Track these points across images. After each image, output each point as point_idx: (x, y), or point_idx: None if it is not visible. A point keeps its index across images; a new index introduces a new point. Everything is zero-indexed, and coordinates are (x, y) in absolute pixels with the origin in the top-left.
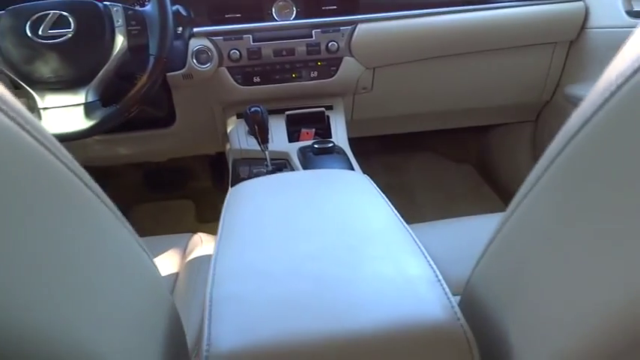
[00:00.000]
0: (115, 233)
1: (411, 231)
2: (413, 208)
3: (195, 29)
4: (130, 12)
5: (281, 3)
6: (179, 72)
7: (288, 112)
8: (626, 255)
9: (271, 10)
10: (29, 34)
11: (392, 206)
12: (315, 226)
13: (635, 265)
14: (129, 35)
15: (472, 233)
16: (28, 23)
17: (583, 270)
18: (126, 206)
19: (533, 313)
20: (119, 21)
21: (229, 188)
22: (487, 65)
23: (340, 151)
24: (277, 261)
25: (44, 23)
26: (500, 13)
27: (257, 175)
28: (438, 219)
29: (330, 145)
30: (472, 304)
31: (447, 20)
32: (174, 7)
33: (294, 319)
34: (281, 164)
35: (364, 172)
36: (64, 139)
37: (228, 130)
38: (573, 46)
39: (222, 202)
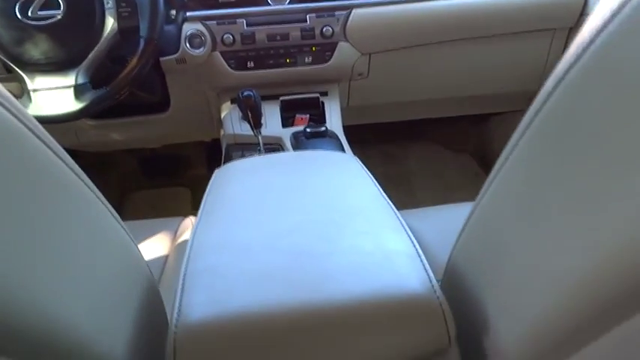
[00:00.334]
0: (88, 205)
1: (395, 210)
2: (411, 197)
3: (188, 13)
4: None
5: None
6: (172, 56)
7: (282, 98)
8: (600, 215)
9: None
10: (19, 16)
11: (378, 186)
12: (297, 202)
13: (608, 225)
14: (119, 17)
15: (460, 219)
16: (18, 4)
17: (555, 233)
18: (122, 194)
19: (508, 282)
20: (109, 3)
21: None
22: (485, 52)
23: (333, 136)
24: (255, 236)
25: (34, 4)
26: None
27: None
28: None
29: (323, 129)
30: (452, 281)
31: (444, 5)
32: None
33: (266, 290)
34: (274, 149)
35: (361, 161)
36: (54, 120)
37: (222, 116)
38: (573, 33)
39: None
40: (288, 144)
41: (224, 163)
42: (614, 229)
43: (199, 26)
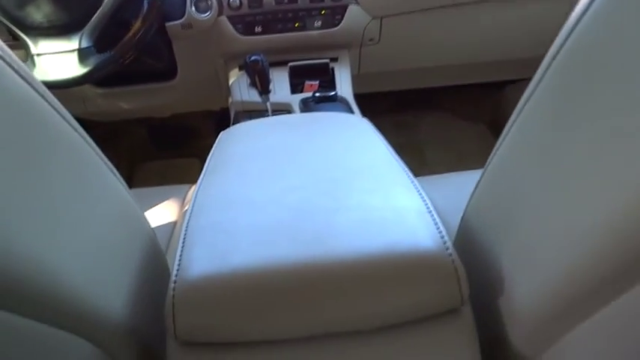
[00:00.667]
0: (92, 166)
1: (406, 168)
2: (423, 167)
3: None
4: None
5: None
6: (178, 21)
7: (291, 64)
8: (629, 157)
9: None
10: None
11: (389, 146)
12: (304, 161)
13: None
14: None
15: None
16: None
17: (583, 181)
18: (132, 164)
19: (523, 239)
20: None
21: None
22: (502, 15)
23: (343, 101)
24: (259, 192)
25: None
26: None
27: None
28: None
29: (333, 93)
30: (465, 240)
31: None
32: None
33: (270, 246)
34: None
35: None
36: (59, 85)
37: (230, 83)
38: None
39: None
40: (297, 110)
41: None
42: None
43: None
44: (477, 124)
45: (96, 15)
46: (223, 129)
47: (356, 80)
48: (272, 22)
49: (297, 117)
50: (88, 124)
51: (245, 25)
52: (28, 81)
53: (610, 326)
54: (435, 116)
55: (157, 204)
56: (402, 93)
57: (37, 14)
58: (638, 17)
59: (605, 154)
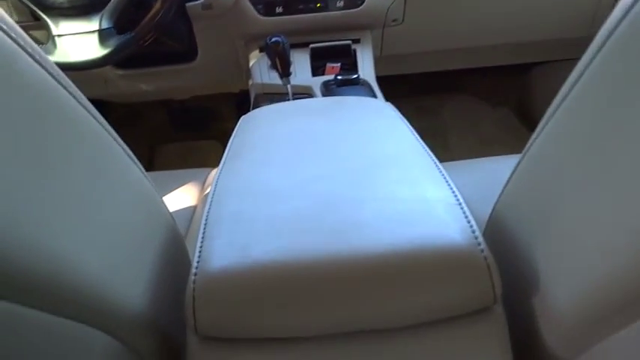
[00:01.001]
0: (109, 152)
1: (434, 157)
2: (445, 152)
3: None
4: None
5: None
6: (198, 2)
7: (312, 46)
8: None
9: None
10: None
11: (415, 133)
12: (328, 149)
13: None
14: None
15: (503, 172)
16: None
17: (633, 180)
18: (152, 147)
19: (562, 237)
20: None
21: None
22: None
23: (365, 84)
24: (281, 181)
25: None
26: None
27: None
28: None
29: (355, 76)
30: (497, 232)
31: None
32: None
33: (293, 238)
34: (303, 98)
35: None
36: (80, 67)
37: (250, 65)
38: None
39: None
40: (318, 93)
41: None
42: None
43: None
44: (501, 108)
45: None
46: (243, 111)
47: (378, 62)
48: (293, 2)
49: (320, 101)
50: (108, 107)
51: (266, 6)
52: (42, 64)
53: None
54: (458, 99)
55: (176, 188)
56: (424, 75)
57: None
58: None
59: None
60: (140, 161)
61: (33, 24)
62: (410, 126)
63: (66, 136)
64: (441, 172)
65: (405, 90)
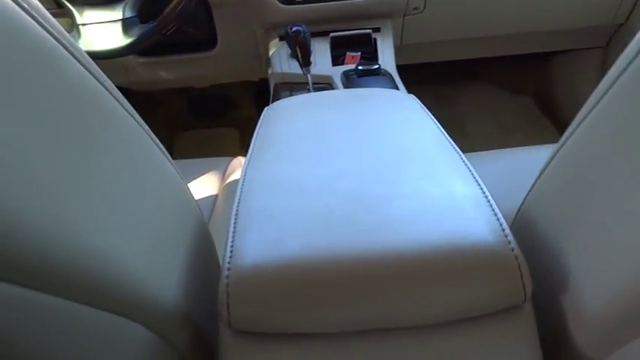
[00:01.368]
0: (139, 143)
1: (460, 152)
2: (463, 140)
3: None
4: None
5: None
6: None
7: (332, 34)
8: None
9: None
10: None
11: (440, 127)
12: (354, 142)
13: None
14: None
15: (526, 164)
16: None
17: None
18: (170, 133)
19: (598, 236)
20: None
21: None
22: None
23: (386, 74)
24: (309, 176)
25: None
26: None
27: None
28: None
29: (376, 66)
30: (524, 230)
31: None
32: None
33: (323, 233)
34: (324, 88)
35: None
36: (104, 56)
37: (270, 54)
38: None
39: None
40: (338, 83)
41: (272, 103)
42: None
43: None
44: (520, 96)
45: None
46: (261, 100)
47: (398, 51)
48: None
49: (343, 93)
50: (127, 94)
51: None
52: (81, 61)
53: None
54: (477, 88)
55: (198, 177)
56: (443, 63)
57: None
58: None
59: None
60: None
61: (56, 11)
62: (434, 118)
63: (106, 132)
64: (467, 167)
65: (423, 78)
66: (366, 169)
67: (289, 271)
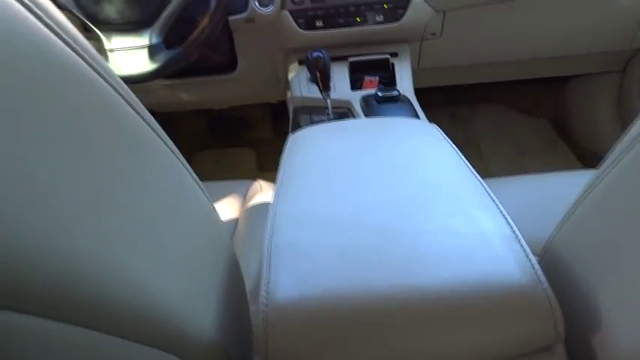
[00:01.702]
0: (176, 175)
1: (484, 184)
2: (479, 162)
3: None
4: None
5: None
6: (241, 15)
7: (351, 59)
8: None
9: None
10: None
11: (464, 157)
12: (380, 175)
13: None
14: None
15: (550, 191)
16: None
17: None
18: (188, 152)
19: (631, 281)
20: None
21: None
22: (570, 6)
23: (405, 100)
24: (338, 210)
25: None
26: None
27: (318, 123)
28: (505, 175)
29: (395, 93)
30: (553, 268)
31: None
32: None
33: (354, 271)
34: (343, 113)
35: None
36: (130, 81)
37: (290, 77)
38: None
39: (283, 151)
40: (358, 108)
41: (292, 126)
42: None
43: None
44: (537, 119)
45: (166, 11)
46: (279, 121)
47: (414, 75)
48: (333, 17)
49: (368, 123)
50: (151, 114)
51: (307, 20)
52: (114, 86)
53: None
54: (493, 110)
55: (219, 200)
56: (459, 85)
57: (111, 10)
58: None
59: None
60: None
61: (84, 36)
62: (456, 148)
63: (137, 160)
64: (492, 199)
65: (438, 98)
66: (394, 204)
67: (323, 307)
